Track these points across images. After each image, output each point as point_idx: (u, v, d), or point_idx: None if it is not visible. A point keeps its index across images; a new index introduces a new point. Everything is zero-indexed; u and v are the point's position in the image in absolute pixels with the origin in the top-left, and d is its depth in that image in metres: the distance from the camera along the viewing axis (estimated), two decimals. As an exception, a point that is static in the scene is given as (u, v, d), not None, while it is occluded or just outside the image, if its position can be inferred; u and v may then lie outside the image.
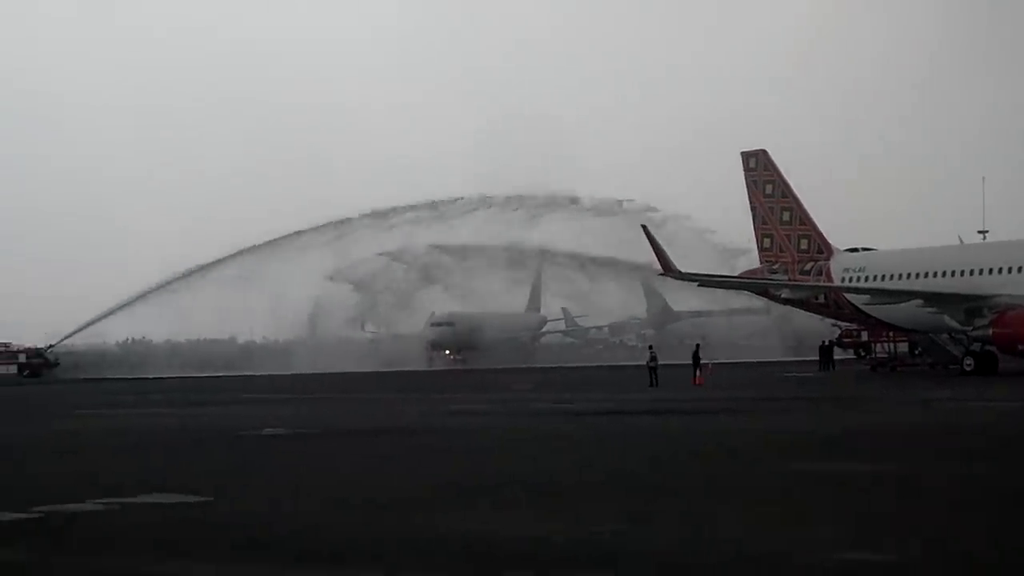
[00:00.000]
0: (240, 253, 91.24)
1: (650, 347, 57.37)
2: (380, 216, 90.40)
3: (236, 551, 12.15)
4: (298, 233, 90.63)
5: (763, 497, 15.07)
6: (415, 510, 14.89)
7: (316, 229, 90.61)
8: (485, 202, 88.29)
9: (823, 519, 13.10)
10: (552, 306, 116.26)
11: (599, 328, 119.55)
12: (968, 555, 10.78)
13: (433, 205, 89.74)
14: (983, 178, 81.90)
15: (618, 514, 14.02)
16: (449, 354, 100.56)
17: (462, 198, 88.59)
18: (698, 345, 54.99)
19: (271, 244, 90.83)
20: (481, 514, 14.34)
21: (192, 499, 16.19)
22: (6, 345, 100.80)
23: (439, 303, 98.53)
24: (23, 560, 12.04)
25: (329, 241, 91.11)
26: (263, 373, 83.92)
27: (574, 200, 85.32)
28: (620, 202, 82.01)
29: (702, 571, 10.32)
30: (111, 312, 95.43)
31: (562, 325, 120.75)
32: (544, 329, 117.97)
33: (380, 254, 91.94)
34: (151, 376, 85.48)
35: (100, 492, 16.77)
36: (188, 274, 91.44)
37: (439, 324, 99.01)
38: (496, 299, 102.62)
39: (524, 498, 15.70)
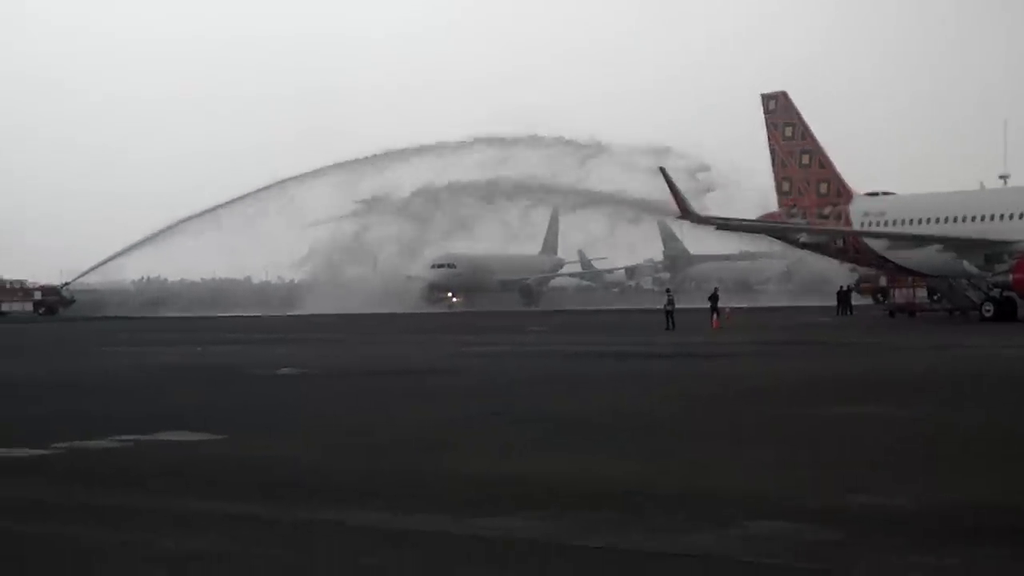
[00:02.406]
0: (256, 192, 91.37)
1: (668, 290, 57.31)
2: (395, 156, 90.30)
3: (250, 489, 12.17)
4: (314, 172, 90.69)
5: (776, 441, 15.02)
6: (423, 450, 14.90)
7: (332, 168, 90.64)
8: (499, 143, 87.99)
9: (839, 462, 13.05)
10: (570, 248, 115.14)
11: (611, 271, 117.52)
12: (979, 501, 10.72)
13: (444, 146, 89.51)
14: (1005, 122, 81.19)
15: (636, 455, 14.01)
16: (451, 296, 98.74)
17: (475, 139, 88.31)
18: (716, 289, 55.17)
19: (284, 183, 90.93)
20: (490, 456, 14.35)
21: (207, 437, 16.23)
22: (21, 283, 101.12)
23: (453, 244, 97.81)
24: (44, 496, 12.07)
25: (344, 181, 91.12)
26: (275, 313, 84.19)
27: (593, 143, 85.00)
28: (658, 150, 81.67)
29: (711, 510, 10.27)
30: (127, 250, 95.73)
31: (578, 267, 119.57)
32: (560, 271, 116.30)
33: (403, 191, 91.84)
34: (166, 315, 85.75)
35: (117, 429, 16.83)
36: (203, 213, 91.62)
37: (439, 266, 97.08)
38: (514, 239, 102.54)
39: (531, 440, 15.69)
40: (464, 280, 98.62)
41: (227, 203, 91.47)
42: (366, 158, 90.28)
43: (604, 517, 10.26)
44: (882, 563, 8.43)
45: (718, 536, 9.38)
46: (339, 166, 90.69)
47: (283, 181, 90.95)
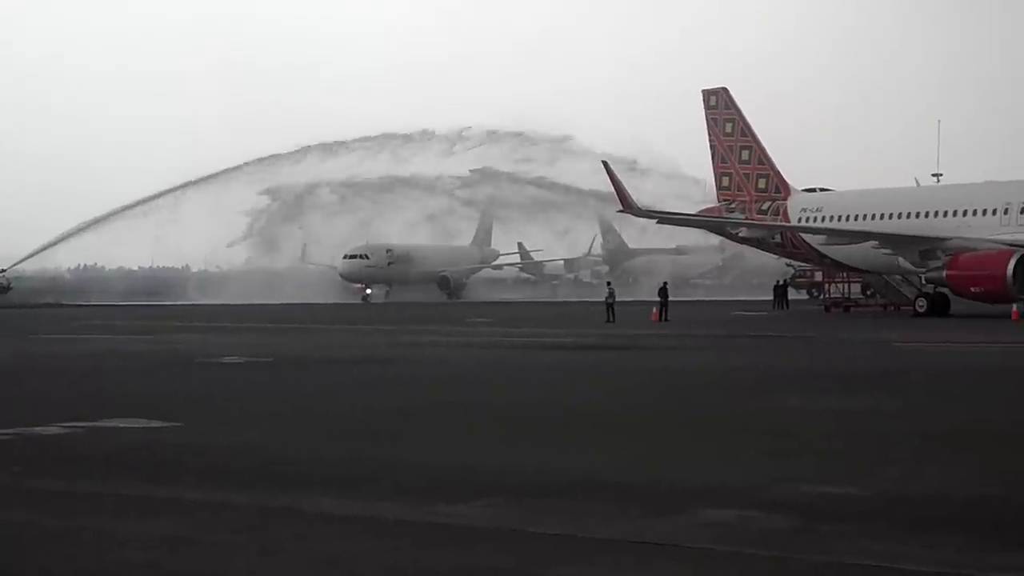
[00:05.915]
0: (188, 184, 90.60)
1: (608, 283, 57.70)
2: (325, 149, 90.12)
3: (205, 476, 12.20)
4: (258, 160, 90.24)
5: (725, 432, 15.29)
6: (374, 438, 15.03)
7: (267, 159, 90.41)
8: (426, 135, 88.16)
9: (788, 452, 13.33)
10: (508, 241, 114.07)
11: (539, 263, 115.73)
12: (929, 490, 11.02)
13: (381, 139, 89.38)
14: (938, 121, 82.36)
15: (584, 446, 14.21)
16: (364, 287, 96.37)
17: (410, 133, 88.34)
18: (666, 283, 55.62)
19: (221, 175, 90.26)
20: (440, 444, 14.50)
21: (159, 424, 16.21)
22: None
23: (389, 236, 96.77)
24: (-7, 481, 12.05)
25: (277, 171, 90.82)
26: (211, 302, 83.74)
27: (518, 134, 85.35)
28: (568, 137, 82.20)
29: (663, 499, 10.49)
30: (64, 238, 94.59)
31: (518, 259, 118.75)
32: (495, 263, 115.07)
33: (323, 184, 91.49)
34: (104, 303, 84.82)
35: (66, 416, 16.75)
36: (138, 203, 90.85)
37: (351, 256, 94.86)
38: (455, 233, 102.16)
39: (479, 430, 15.85)
40: (378, 271, 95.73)
41: (160, 194, 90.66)
42: (301, 148, 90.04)
43: (558, 505, 10.42)
44: (832, 549, 8.63)
45: (671, 524, 9.57)
46: (275, 157, 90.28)
47: (219, 172, 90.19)
